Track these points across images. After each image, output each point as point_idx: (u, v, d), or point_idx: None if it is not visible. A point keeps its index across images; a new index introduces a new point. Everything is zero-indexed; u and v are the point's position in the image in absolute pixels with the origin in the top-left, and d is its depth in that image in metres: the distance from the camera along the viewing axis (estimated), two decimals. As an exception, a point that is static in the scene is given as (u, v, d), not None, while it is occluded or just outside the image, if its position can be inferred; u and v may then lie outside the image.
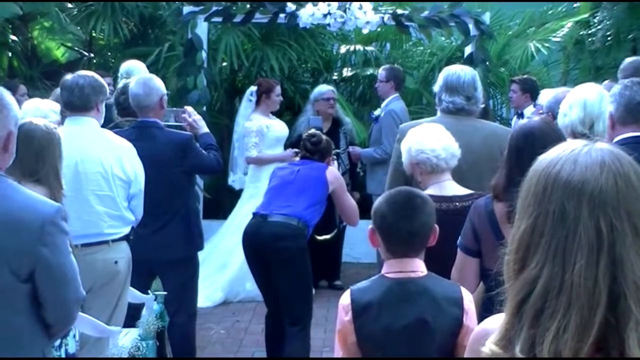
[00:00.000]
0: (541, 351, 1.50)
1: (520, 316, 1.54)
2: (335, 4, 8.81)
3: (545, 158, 1.61)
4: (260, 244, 5.81)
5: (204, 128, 6.08)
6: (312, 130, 6.35)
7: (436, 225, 3.28)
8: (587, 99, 4.31)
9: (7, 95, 2.96)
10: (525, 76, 9.23)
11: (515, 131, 3.73)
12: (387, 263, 3.23)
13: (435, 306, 3.12)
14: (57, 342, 3.73)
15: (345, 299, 3.19)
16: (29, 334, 2.97)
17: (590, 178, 1.54)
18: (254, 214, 6.02)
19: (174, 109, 6.61)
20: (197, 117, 6.12)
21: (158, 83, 5.80)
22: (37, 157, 3.97)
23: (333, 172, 6.09)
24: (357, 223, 6.31)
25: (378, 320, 3.12)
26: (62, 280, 3.00)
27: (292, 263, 5.77)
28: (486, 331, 1.65)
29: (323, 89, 9.01)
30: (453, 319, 3.12)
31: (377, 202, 3.31)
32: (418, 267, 3.20)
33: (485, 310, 3.06)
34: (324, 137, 6.21)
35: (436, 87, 4.95)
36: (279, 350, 5.94)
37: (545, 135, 3.47)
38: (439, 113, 4.92)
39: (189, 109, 6.24)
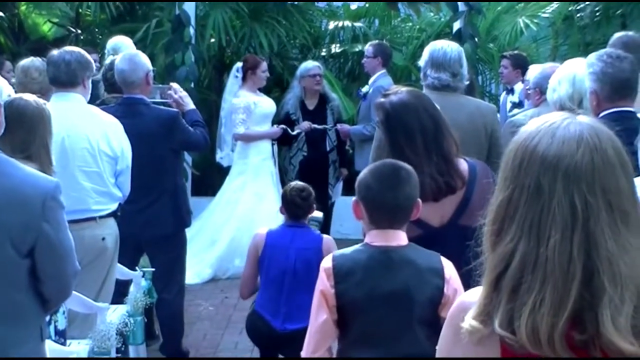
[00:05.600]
0: (519, 326, 1.51)
1: (498, 290, 1.55)
2: (323, -20, 8.77)
3: (525, 130, 1.60)
4: (274, 347, 5.15)
5: (190, 105, 6.05)
6: (301, 184, 5.29)
7: (419, 199, 3.30)
8: (577, 75, 4.29)
9: None
10: (516, 52, 9.18)
11: (385, 108, 3.77)
12: (370, 234, 3.25)
13: (418, 276, 3.16)
14: (47, 319, 3.73)
15: (327, 262, 3.21)
16: (28, 310, 2.98)
17: (567, 153, 1.54)
18: (260, 316, 5.07)
19: (160, 85, 6.57)
20: (183, 94, 6.09)
21: (144, 59, 5.77)
22: (28, 133, 3.94)
23: (328, 242, 5.20)
24: None
25: (360, 287, 3.15)
26: (62, 254, 3.02)
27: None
28: (465, 304, 1.65)
29: (309, 65, 8.88)
30: (434, 288, 3.16)
31: (362, 173, 3.33)
32: (401, 239, 3.24)
33: (464, 282, 3.09)
34: (311, 189, 5.31)
35: (421, 62, 4.91)
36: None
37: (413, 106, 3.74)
38: (424, 89, 4.90)
39: (175, 85, 6.22)
